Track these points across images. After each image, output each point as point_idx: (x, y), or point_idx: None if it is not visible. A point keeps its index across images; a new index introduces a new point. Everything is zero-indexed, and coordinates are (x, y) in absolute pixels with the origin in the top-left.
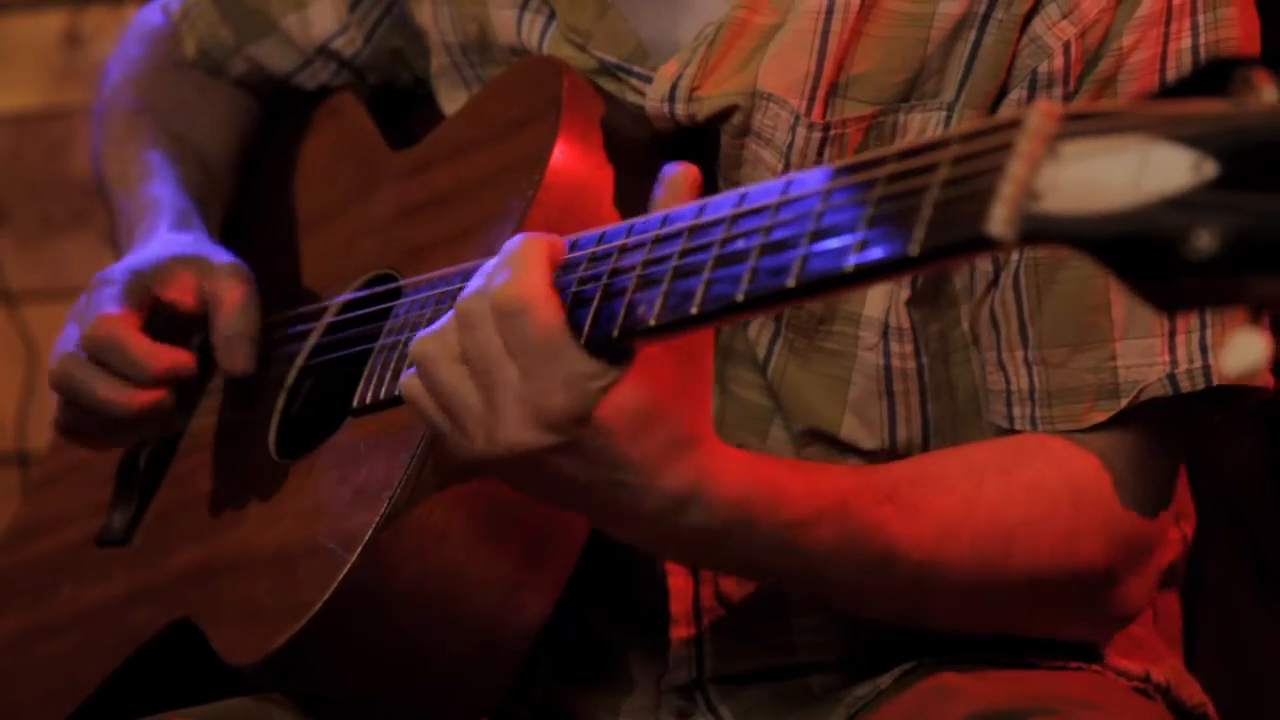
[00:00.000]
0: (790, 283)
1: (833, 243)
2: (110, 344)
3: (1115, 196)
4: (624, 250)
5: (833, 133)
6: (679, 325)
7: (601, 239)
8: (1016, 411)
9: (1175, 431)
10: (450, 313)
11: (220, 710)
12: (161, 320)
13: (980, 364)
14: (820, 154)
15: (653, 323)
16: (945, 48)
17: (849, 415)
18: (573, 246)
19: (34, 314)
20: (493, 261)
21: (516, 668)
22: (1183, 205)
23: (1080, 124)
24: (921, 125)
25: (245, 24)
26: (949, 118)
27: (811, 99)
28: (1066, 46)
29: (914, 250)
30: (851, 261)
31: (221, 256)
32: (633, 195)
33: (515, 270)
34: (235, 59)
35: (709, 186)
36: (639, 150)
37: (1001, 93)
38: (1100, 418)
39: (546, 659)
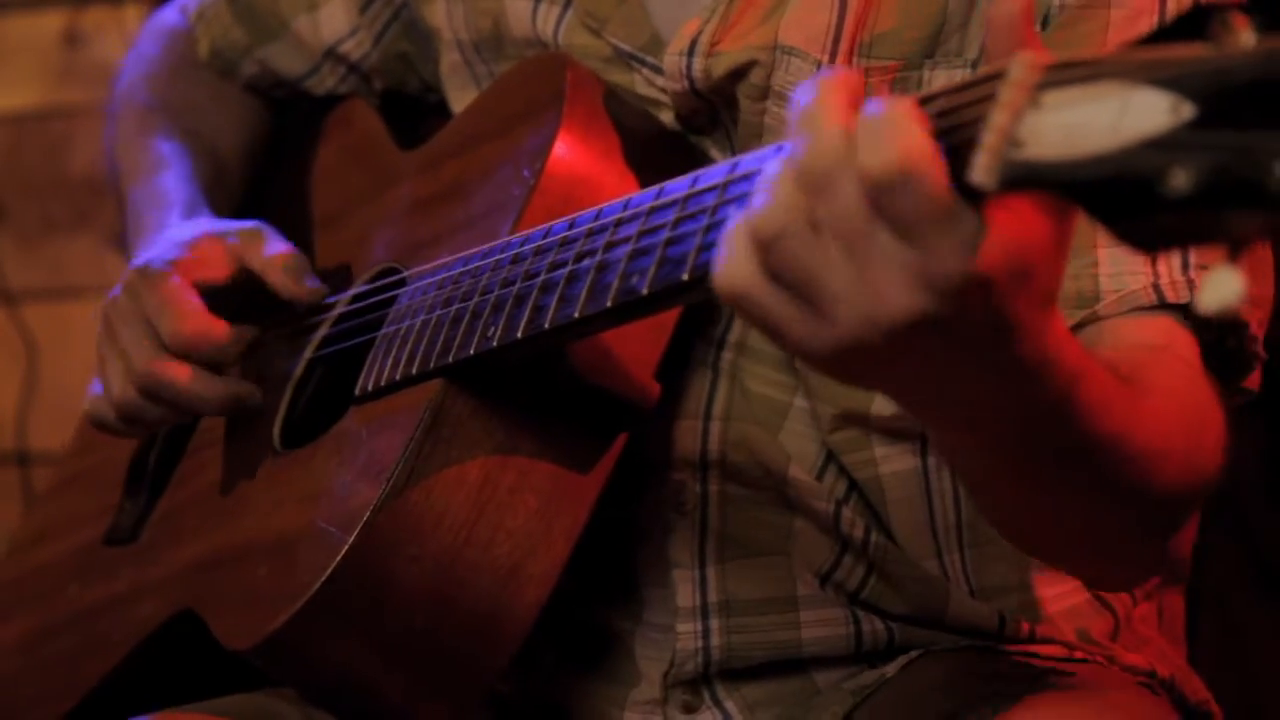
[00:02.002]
0: None
1: None
2: (200, 336)
3: (1095, 141)
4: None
5: (855, 65)
6: None
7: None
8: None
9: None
10: (779, 169)
11: (223, 706)
12: (208, 300)
13: None
14: None
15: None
16: (967, 3)
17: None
18: (598, 215)
19: (34, 313)
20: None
21: (513, 653)
22: (1161, 146)
23: (1062, 73)
24: (946, 81)
25: (257, 25)
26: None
27: (834, 52)
28: None
29: None
30: None
31: (238, 223)
32: (635, 188)
33: (889, 131)
34: (246, 61)
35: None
36: (643, 143)
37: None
38: (1071, 321)
39: (552, 652)
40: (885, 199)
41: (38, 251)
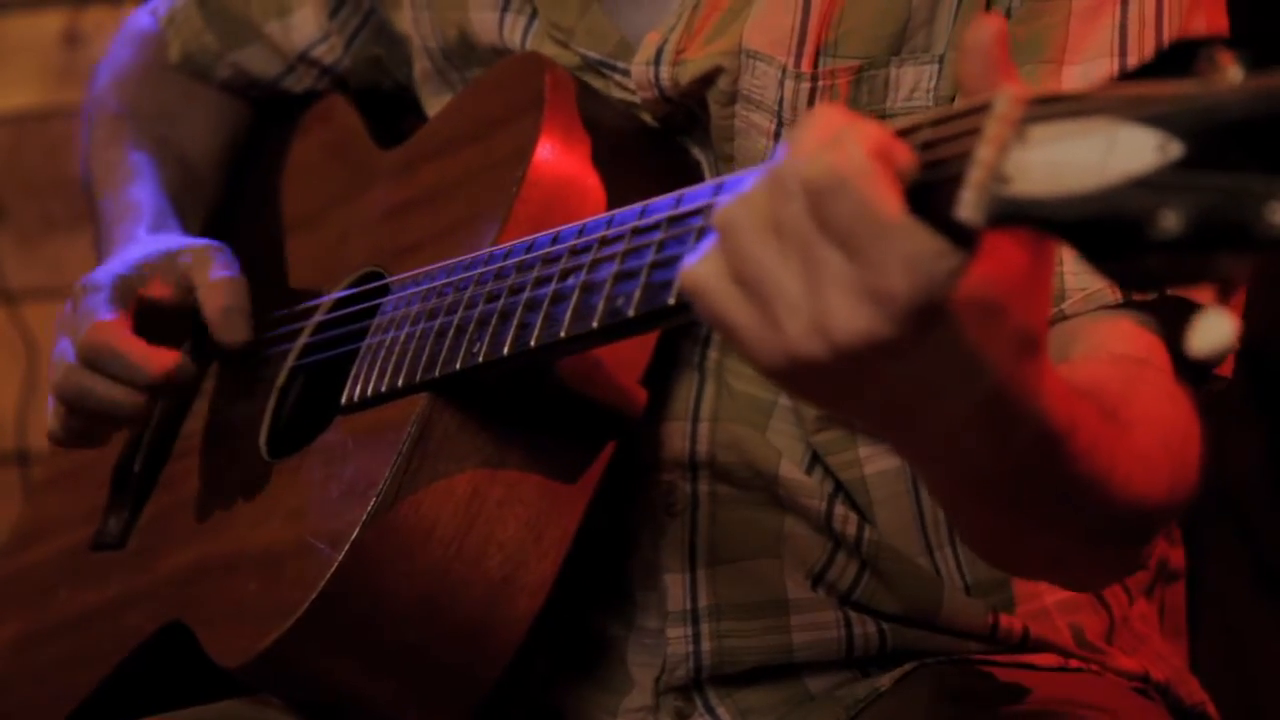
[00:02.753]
0: None
1: None
2: (107, 351)
3: (1083, 178)
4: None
5: (821, 84)
6: None
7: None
8: None
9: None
10: (758, 175)
11: (213, 712)
12: (151, 318)
13: None
14: (811, 105)
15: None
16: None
17: None
18: (581, 232)
19: (34, 313)
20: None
21: (506, 665)
22: (1148, 186)
23: (1048, 107)
24: (914, 79)
25: (228, 31)
26: (940, 70)
27: (799, 54)
28: None
29: None
30: None
31: (194, 241)
32: (618, 189)
33: (833, 139)
34: (220, 65)
35: (697, 167)
36: (624, 144)
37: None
38: (1080, 308)
39: (544, 659)
40: (823, 206)
41: (38, 251)
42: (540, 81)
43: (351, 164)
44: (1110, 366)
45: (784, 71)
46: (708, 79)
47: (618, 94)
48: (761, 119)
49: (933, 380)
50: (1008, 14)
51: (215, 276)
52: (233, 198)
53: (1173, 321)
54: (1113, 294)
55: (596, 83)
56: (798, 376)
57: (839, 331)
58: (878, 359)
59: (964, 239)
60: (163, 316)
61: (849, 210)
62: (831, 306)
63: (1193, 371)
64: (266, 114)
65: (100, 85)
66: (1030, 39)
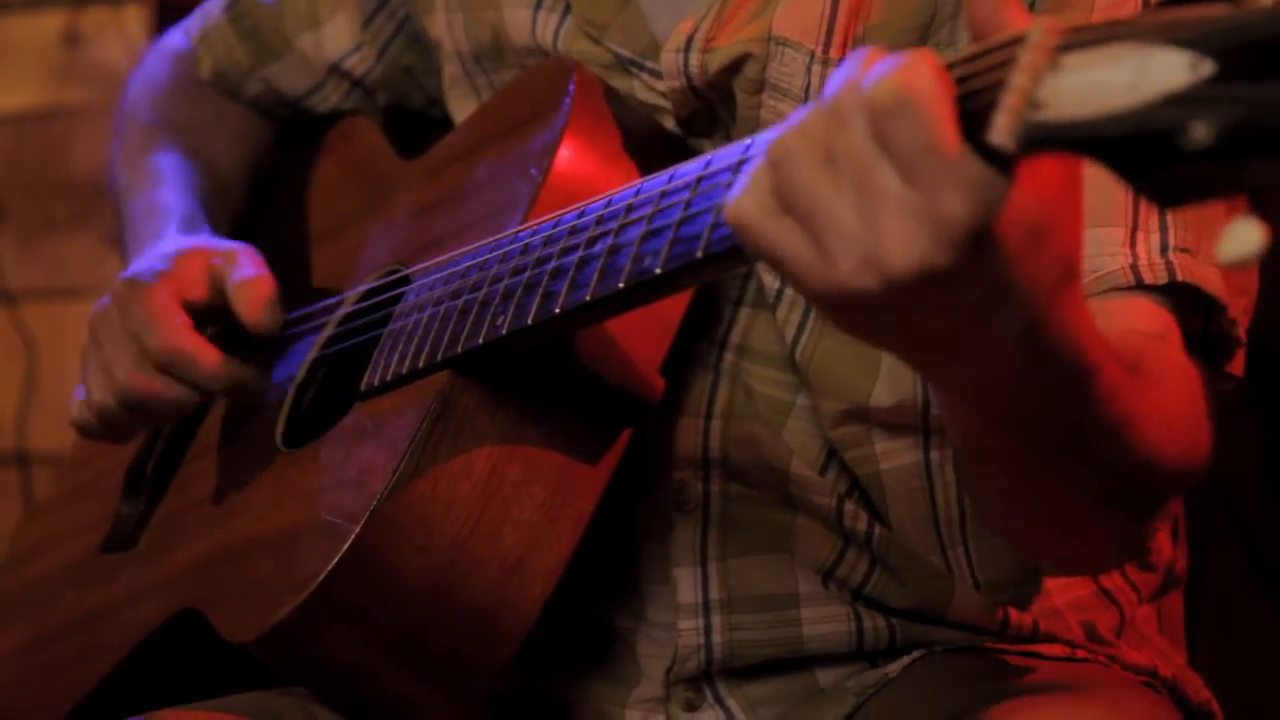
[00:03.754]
0: None
1: None
2: (182, 355)
3: (1115, 99)
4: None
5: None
6: None
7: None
8: None
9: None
10: (808, 109)
11: (224, 704)
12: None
13: None
14: None
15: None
16: None
17: (881, 381)
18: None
19: (34, 313)
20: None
21: (516, 647)
22: (1181, 101)
23: (1082, 34)
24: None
25: (261, 45)
26: None
27: (828, 43)
28: None
29: None
30: None
31: (226, 243)
32: None
33: (897, 63)
34: (250, 80)
35: None
36: (647, 146)
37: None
38: (1092, 288)
39: (554, 650)
40: (886, 128)
41: (38, 251)
42: (567, 81)
43: (374, 177)
44: (1128, 336)
45: (812, 57)
46: (735, 66)
47: (642, 95)
48: (788, 108)
49: (978, 307)
50: (1031, 7)
51: (242, 275)
52: (256, 214)
53: (1188, 305)
54: (1124, 276)
55: (622, 82)
56: (847, 307)
57: (894, 259)
58: (928, 287)
59: (1000, 165)
60: (197, 310)
61: (912, 132)
62: (887, 234)
63: (1205, 358)
64: (290, 136)
65: (131, 97)
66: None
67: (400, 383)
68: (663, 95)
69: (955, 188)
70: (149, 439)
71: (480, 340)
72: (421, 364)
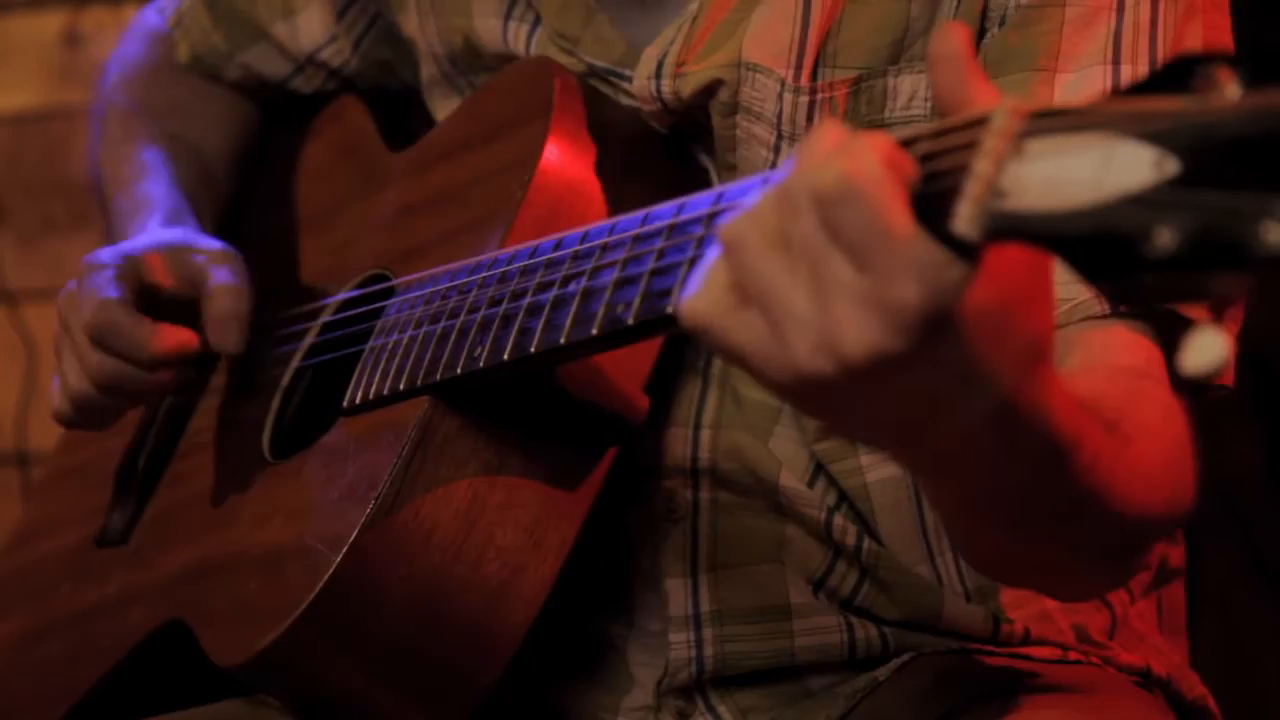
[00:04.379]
0: None
1: None
2: (112, 329)
3: (1079, 194)
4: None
5: (820, 96)
6: None
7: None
8: None
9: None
10: (762, 189)
11: (211, 713)
12: (154, 307)
13: None
14: (809, 119)
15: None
16: (930, 8)
17: None
18: (584, 238)
19: (34, 314)
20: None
21: (505, 666)
22: (1144, 203)
23: (1046, 122)
24: (912, 88)
25: (236, 31)
26: None
27: (798, 67)
28: None
29: None
30: None
31: (209, 242)
32: (626, 195)
33: (844, 149)
34: (229, 65)
35: (704, 174)
36: (632, 151)
37: (981, 33)
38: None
39: (545, 660)
40: (833, 216)
41: (38, 252)
42: (550, 86)
43: (362, 165)
44: (1108, 380)
45: (783, 85)
46: (708, 90)
47: (625, 101)
48: (762, 130)
49: (940, 393)
50: (1002, 22)
51: (222, 281)
52: (244, 196)
53: (1168, 329)
54: (1099, 305)
55: (604, 90)
56: (806, 394)
57: (848, 345)
58: (886, 373)
59: (963, 252)
60: (166, 306)
61: (860, 219)
62: (841, 321)
63: (1190, 383)
64: (278, 114)
65: (110, 82)
66: (1022, 46)
67: (381, 403)
68: (641, 102)
69: (907, 274)
70: (139, 432)
71: (458, 370)
72: (402, 387)
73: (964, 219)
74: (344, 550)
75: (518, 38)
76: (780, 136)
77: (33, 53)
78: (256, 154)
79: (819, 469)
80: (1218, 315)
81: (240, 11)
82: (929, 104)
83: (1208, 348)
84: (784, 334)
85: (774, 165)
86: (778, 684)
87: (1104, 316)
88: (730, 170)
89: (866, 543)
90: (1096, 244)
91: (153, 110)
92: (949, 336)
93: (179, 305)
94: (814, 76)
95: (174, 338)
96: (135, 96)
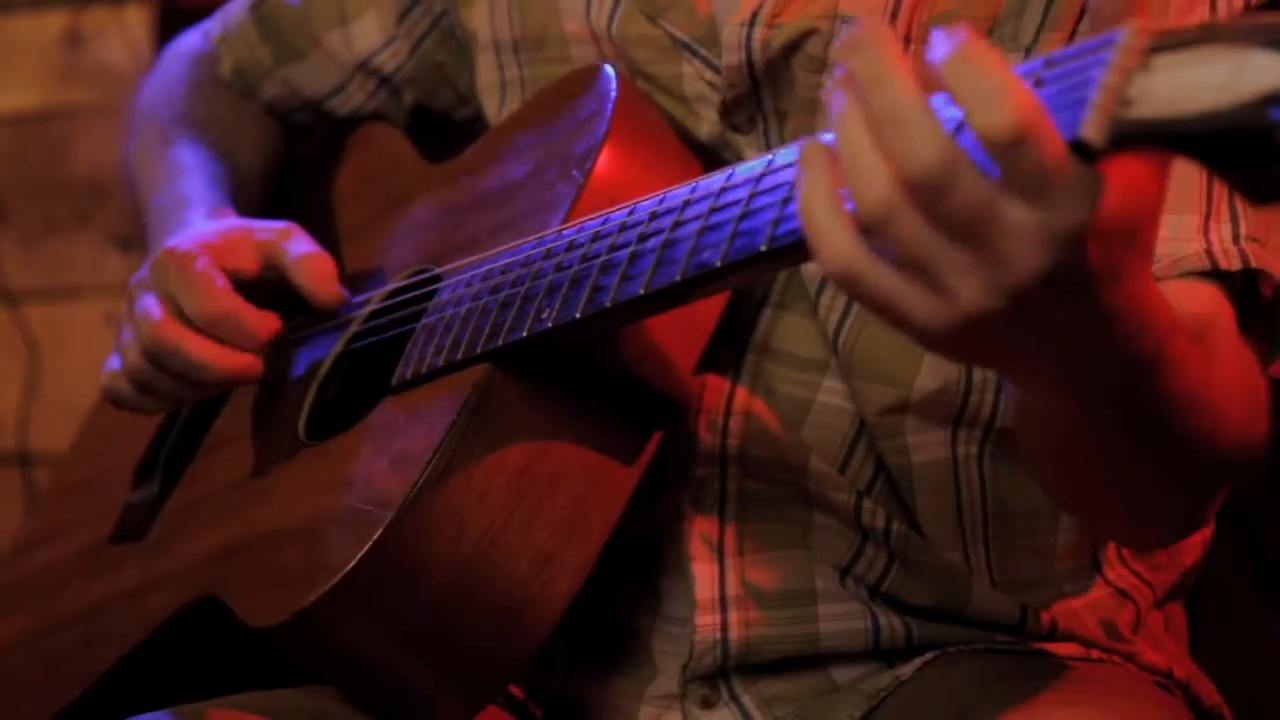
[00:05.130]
0: None
1: None
2: (225, 315)
3: (1209, 97)
4: None
5: (914, 47)
6: None
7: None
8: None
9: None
10: (861, 160)
11: (259, 701)
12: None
13: None
14: None
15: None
16: None
17: (926, 365)
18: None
19: (34, 314)
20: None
21: (540, 643)
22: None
23: (1174, 37)
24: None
25: (285, 44)
26: (1026, 57)
27: (894, 17)
28: None
29: None
30: None
31: (269, 222)
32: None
33: (997, 90)
34: (269, 81)
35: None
36: (684, 155)
37: (1082, 12)
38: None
39: (569, 646)
40: (1008, 161)
41: (38, 251)
42: (608, 88)
43: (395, 181)
44: (1188, 315)
45: None
46: (798, 44)
47: (690, 84)
48: None
49: (1082, 292)
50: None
51: (302, 250)
52: (272, 218)
53: (1250, 297)
54: (1200, 261)
55: (672, 68)
56: (967, 338)
57: (1020, 281)
58: (1047, 289)
59: (1089, 160)
60: (243, 291)
61: (1036, 162)
62: (1011, 259)
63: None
64: (306, 144)
65: (146, 98)
66: None
67: (434, 375)
68: (709, 85)
69: (1074, 199)
70: (162, 430)
71: (524, 333)
72: (460, 356)
73: (1092, 125)
74: (397, 507)
75: (601, 11)
76: None
77: (33, 53)
78: (283, 178)
79: (851, 453)
80: None
81: (291, 25)
82: None
83: None
84: (948, 288)
85: None
86: (802, 674)
87: (1200, 273)
88: (808, 134)
89: (896, 525)
90: (1230, 140)
91: (193, 122)
92: (1098, 244)
93: (252, 290)
94: (906, 40)
95: (273, 323)
96: (174, 109)
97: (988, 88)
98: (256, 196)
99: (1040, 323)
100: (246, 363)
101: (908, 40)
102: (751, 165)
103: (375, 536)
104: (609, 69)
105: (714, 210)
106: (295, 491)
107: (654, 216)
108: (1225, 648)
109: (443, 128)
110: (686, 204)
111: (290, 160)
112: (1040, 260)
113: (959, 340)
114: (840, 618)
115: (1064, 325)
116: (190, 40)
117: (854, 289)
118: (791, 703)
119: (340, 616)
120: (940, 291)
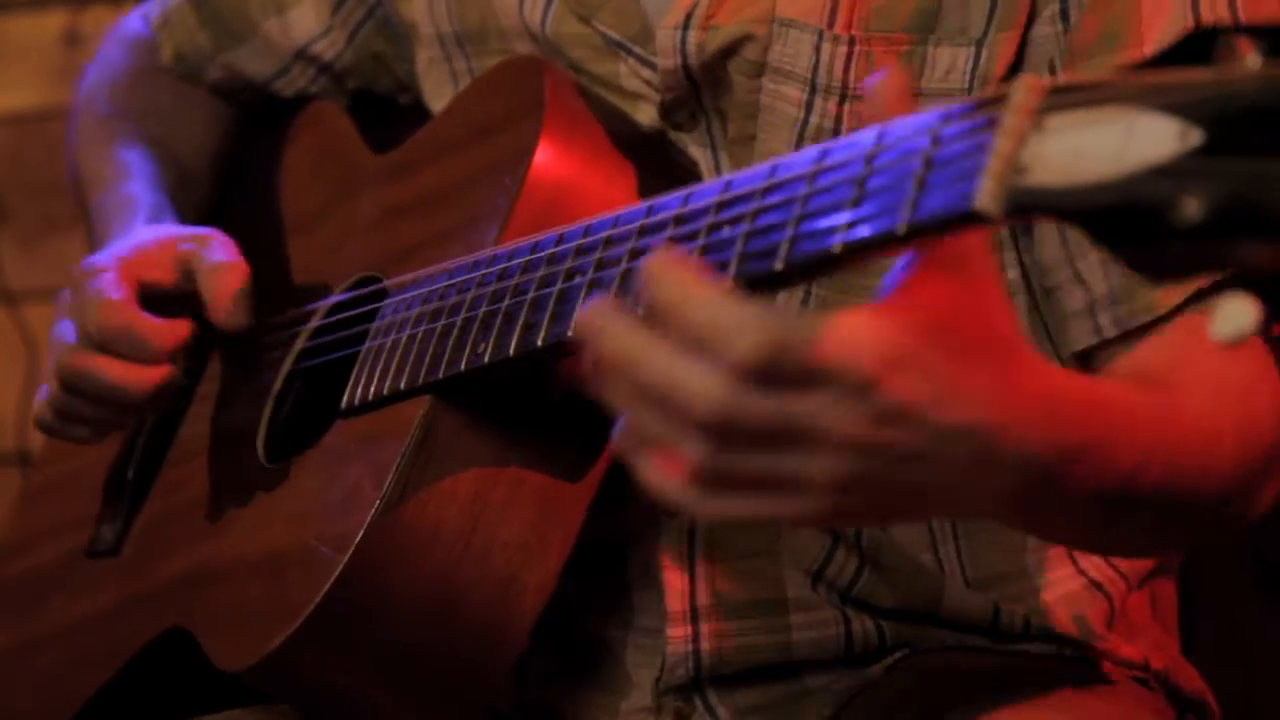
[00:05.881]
0: (779, 265)
1: (820, 224)
2: (120, 329)
3: (1101, 167)
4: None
5: (859, 48)
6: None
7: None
8: (1104, 319)
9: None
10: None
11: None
12: (151, 304)
13: (1057, 305)
14: (846, 70)
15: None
16: None
17: None
18: (586, 232)
19: (34, 314)
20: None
21: (512, 664)
22: (1169, 173)
23: (1065, 97)
24: (950, 60)
25: (224, 29)
26: (978, 53)
27: (832, 22)
28: None
29: (900, 230)
30: (838, 241)
31: (193, 229)
32: (616, 194)
33: (729, 329)
34: (211, 66)
35: (694, 167)
36: (624, 147)
37: (1033, 11)
38: (1178, 297)
39: (542, 659)
40: (774, 379)
41: (38, 251)
42: (540, 83)
43: (344, 168)
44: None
45: (820, 36)
46: (734, 48)
47: (627, 81)
48: (791, 89)
49: (929, 419)
50: (1064, 13)
51: (216, 260)
52: (222, 204)
53: None
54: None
55: (609, 66)
56: (855, 514)
57: (843, 454)
58: (890, 434)
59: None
60: (163, 304)
61: (795, 368)
62: (825, 443)
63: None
64: (254, 121)
65: (89, 86)
66: (1105, 31)
67: (381, 403)
68: (647, 83)
69: (842, 364)
70: (127, 442)
71: (462, 367)
72: (403, 386)
73: (986, 194)
74: (350, 551)
75: (535, 9)
76: (814, 91)
77: (33, 53)
78: (236, 159)
79: None
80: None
81: (229, 10)
82: (967, 78)
83: (1238, 313)
84: (800, 487)
85: (805, 124)
86: (776, 683)
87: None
88: (748, 141)
89: (867, 529)
90: (1121, 215)
91: (132, 113)
92: (900, 379)
93: (172, 299)
94: (848, 35)
95: (177, 332)
96: (115, 100)
97: (726, 328)
98: (204, 184)
99: (911, 475)
100: (158, 376)
101: (852, 42)
102: (670, 200)
103: (330, 580)
104: (541, 62)
105: (634, 253)
106: (256, 520)
107: (579, 251)
108: (1225, 648)
109: (388, 107)
110: (608, 240)
111: (243, 137)
112: (849, 424)
113: (847, 518)
114: (813, 625)
115: (943, 464)
116: (131, 23)
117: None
118: (765, 711)
119: (305, 659)
120: (792, 491)
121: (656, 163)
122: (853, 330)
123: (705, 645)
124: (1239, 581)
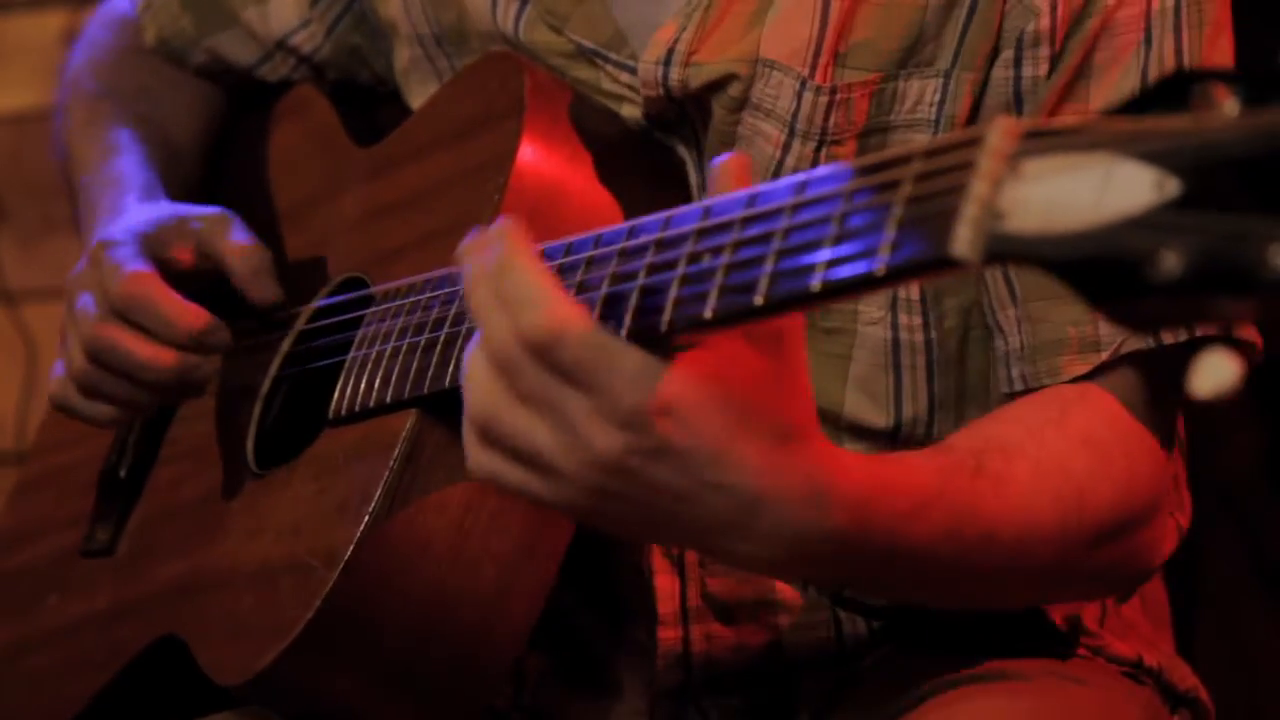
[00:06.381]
0: (758, 300)
1: (800, 260)
2: (145, 298)
3: (1079, 216)
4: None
5: (839, 97)
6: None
7: (599, 241)
8: (1014, 371)
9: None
10: (473, 362)
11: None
12: (169, 281)
13: (993, 345)
14: (826, 118)
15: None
16: (942, 14)
17: (851, 392)
18: (568, 250)
19: (34, 314)
20: (486, 291)
21: (505, 674)
22: (1146, 226)
23: (1040, 141)
24: (919, 92)
25: (205, 15)
26: (945, 84)
27: (814, 65)
28: (1053, 5)
29: (879, 271)
30: (817, 280)
31: (203, 209)
32: (600, 193)
33: (528, 300)
34: (195, 50)
35: (681, 166)
36: (608, 145)
37: (994, 53)
38: (1082, 369)
39: (535, 664)
40: (549, 361)
41: (38, 251)
42: (520, 83)
43: (328, 160)
44: (1000, 424)
45: (803, 84)
46: (718, 84)
47: (608, 85)
48: (770, 128)
49: (695, 480)
50: (1019, 41)
51: (238, 240)
52: (209, 186)
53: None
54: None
55: (588, 71)
56: (590, 508)
57: (595, 454)
58: (638, 468)
59: (661, 346)
60: (179, 283)
61: (570, 355)
62: (584, 436)
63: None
64: (241, 103)
65: (76, 66)
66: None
67: (368, 415)
68: (628, 86)
69: (625, 383)
70: (119, 439)
71: (446, 383)
72: (389, 399)
73: (963, 241)
74: (340, 567)
75: (507, 15)
76: (793, 134)
77: (33, 53)
78: (222, 141)
79: None
80: (1224, 336)
81: None
82: (934, 109)
83: (1218, 369)
84: (551, 467)
85: (780, 163)
86: (768, 684)
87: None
88: None
89: None
90: (1099, 268)
91: (119, 94)
92: (674, 421)
93: (189, 280)
94: (829, 76)
95: (203, 316)
96: (101, 81)
97: (526, 295)
98: (194, 166)
99: (672, 508)
100: (185, 362)
101: (833, 91)
102: (651, 222)
103: (322, 596)
104: (520, 61)
105: (615, 277)
106: (248, 529)
107: (561, 270)
108: (1224, 648)
109: (372, 95)
110: (590, 262)
111: (230, 119)
112: (608, 438)
113: (591, 512)
114: (803, 627)
115: (705, 510)
116: (117, 4)
117: (496, 487)
118: (756, 713)
119: (298, 673)
120: (553, 476)
121: (644, 160)
122: (648, 366)
123: (696, 648)
124: (1239, 581)
